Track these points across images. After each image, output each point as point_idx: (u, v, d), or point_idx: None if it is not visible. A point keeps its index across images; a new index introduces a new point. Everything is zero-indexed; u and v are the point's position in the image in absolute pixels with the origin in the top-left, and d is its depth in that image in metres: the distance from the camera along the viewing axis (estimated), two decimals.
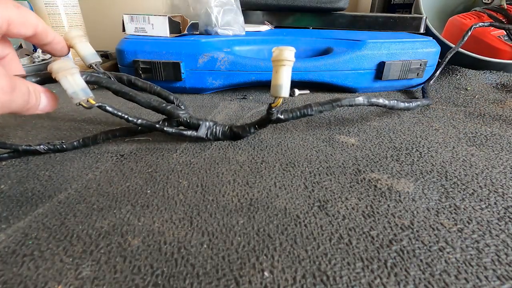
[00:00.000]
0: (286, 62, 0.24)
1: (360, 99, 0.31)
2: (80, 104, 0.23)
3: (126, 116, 0.27)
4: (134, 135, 0.32)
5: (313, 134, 0.34)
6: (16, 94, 0.19)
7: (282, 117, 0.30)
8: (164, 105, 0.29)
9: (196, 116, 0.32)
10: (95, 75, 0.26)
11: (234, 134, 0.32)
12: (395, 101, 0.35)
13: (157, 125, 0.29)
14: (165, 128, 0.29)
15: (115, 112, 0.26)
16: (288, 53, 0.24)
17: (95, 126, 0.36)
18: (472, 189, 0.24)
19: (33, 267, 0.17)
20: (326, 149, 0.31)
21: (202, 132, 0.30)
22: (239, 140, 0.32)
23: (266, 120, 0.30)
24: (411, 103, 0.38)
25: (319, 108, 0.30)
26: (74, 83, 0.22)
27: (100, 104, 0.24)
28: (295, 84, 0.46)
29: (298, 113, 0.30)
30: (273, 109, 0.28)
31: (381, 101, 0.33)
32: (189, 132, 0.30)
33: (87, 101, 0.23)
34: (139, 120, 0.28)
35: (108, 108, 0.26)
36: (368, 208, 0.22)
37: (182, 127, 0.31)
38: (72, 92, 0.22)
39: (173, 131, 0.29)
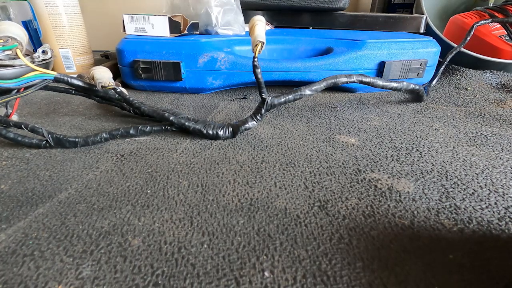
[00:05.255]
0: (258, 22, 0.31)
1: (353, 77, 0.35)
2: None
3: (135, 102, 0.33)
4: (135, 136, 0.32)
5: (313, 134, 0.34)
6: None
7: (275, 101, 0.33)
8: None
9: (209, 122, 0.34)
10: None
11: (233, 128, 0.32)
12: (379, 78, 0.37)
13: (165, 114, 0.32)
14: (171, 118, 0.32)
15: (128, 97, 0.33)
16: (258, 16, 0.32)
17: (95, 125, 0.36)
18: (473, 189, 0.24)
19: (33, 267, 0.17)
20: (326, 149, 0.31)
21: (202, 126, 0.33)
22: (240, 140, 0.32)
23: (260, 106, 0.33)
24: (396, 83, 0.39)
25: (310, 88, 0.33)
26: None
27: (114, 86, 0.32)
28: (296, 84, 0.46)
29: (291, 95, 0.33)
30: (256, 58, 0.31)
31: (367, 79, 0.36)
32: (191, 123, 0.32)
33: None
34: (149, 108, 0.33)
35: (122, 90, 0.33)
36: (369, 208, 0.22)
37: (186, 117, 0.34)
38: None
39: (177, 121, 0.32)
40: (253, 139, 0.33)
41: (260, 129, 0.35)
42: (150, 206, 0.22)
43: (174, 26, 0.49)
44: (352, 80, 0.35)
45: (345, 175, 0.26)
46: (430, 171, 0.27)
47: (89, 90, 0.35)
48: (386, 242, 0.19)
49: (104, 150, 0.30)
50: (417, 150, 0.30)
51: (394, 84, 0.38)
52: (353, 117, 0.39)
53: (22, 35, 0.31)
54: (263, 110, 0.32)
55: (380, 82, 0.37)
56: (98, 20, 0.87)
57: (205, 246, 0.18)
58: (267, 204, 0.22)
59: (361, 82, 0.35)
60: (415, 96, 0.45)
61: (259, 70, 0.31)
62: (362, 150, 0.30)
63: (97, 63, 0.60)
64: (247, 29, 0.56)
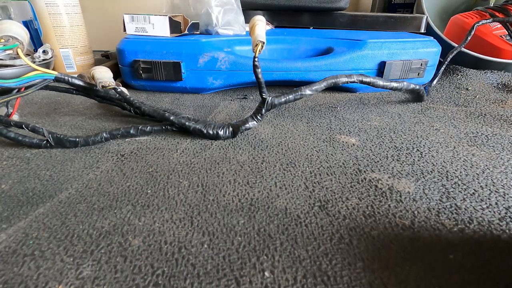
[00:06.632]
0: (258, 22, 0.31)
1: (354, 77, 0.35)
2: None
3: (136, 102, 0.33)
4: (135, 135, 0.32)
5: (314, 134, 0.34)
6: None
7: (275, 101, 0.32)
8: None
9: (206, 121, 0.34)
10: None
11: (233, 128, 0.32)
12: (379, 78, 0.37)
13: (166, 114, 0.32)
14: (171, 117, 0.32)
15: (128, 97, 0.33)
16: (258, 16, 0.32)
17: (96, 125, 0.36)
18: (473, 189, 0.24)
19: (33, 267, 0.17)
20: (327, 149, 0.30)
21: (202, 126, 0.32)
22: (240, 140, 0.32)
23: (260, 106, 0.32)
24: (396, 83, 0.39)
25: (310, 88, 0.32)
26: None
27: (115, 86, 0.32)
28: (296, 84, 0.46)
29: (291, 95, 0.33)
30: (256, 58, 0.31)
31: (368, 79, 0.36)
32: (191, 123, 0.32)
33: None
34: (150, 107, 0.33)
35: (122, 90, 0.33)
36: (369, 208, 0.22)
37: (186, 117, 0.34)
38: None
39: (178, 121, 0.32)
40: (253, 139, 0.33)
41: (261, 129, 0.35)
42: (151, 206, 0.22)
43: (174, 26, 0.49)
44: (352, 80, 0.35)
45: (345, 175, 0.26)
46: (431, 171, 0.26)
47: (89, 90, 0.35)
48: (386, 242, 0.19)
49: (105, 150, 0.30)
50: (418, 150, 0.30)
51: (394, 84, 0.38)
52: (353, 117, 0.39)
53: (23, 34, 0.30)
54: (263, 110, 0.32)
55: (380, 82, 0.37)
56: (98, 20, 0.87)
57: (206, 246, 0.18)
58: (267, 204, 0.22)
59: (362, 82, 0.35)
60: (416, 96, 0.45)
61: (259, 70, 0.31)
62: (362, 150, 0.30)
63: (97, 63, 0.60)
64: (247, 29, 0.56)
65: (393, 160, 0.28)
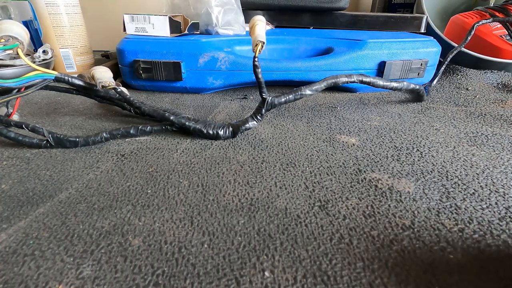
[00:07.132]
0: (258, 22, 0.31)
1: (354, 78, 0.35)
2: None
3: (136, 101, 0.33)
4: (135, 135, 0.32)
5: (314, 134, 0.34)
6: None
7: (275, 101, 0.32)
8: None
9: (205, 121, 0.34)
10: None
11: (233, 128, 0.32)
12: (379, 78, 0.38)
13: (166, 114, 0.32)
14: (171, 117, 0.32)
15: (129, 97, 0.33)
16: (258, 16, 0.32)
17: (96, 125, 0.36)
18: (473, 189, 0.24)
19: (34, 266, 0.17)
20: (327, 149, 0.30)
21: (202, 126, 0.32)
22: (240, 140, 0.32)
23: (260, 106, 0.32)
24: (396, 83, 0.39)
25: (310, 88, 0.32)
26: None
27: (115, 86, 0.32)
28: (296, 84, 0.46)
29: (292, 95, 0.33)
30: (256, 58, 0.31)
31: (368, 79, 0.36)
32: (191, 123, 0.32)
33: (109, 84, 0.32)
34: (150, 107, 0.33)
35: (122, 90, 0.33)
36: (369, 208, 0.22)
37: (186, 117, 0.33)
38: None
39: (178, 121, 0.32)
40: (253, 139, 0.33)
41: (261, 129, 0.35)
42: (151, 206, 0.22)
43: (174, 26, 0.49)
44: (352, 80, 0.35)
45: (345, 175, 0.26)
46: (431, 171, 0.27)
47: (89, 90, 0.35)
48: (386, 242, 0.19)
49: (105, 150, 0.30)
50: (418, 150, 0.30)
51: (394, 84, 0.38)
52: (353, 117, 0.39)
53: (23, 34, 0.30)
54: (263, 110, 0.32)
55: (380, 82, 0.37)
56: (98, 20, 0.87)
57: (206, 246, 0.18)
58: (267, 204, 0.22)
59: (362, 82, 0.35)
60: (416, 96, 0.45)
61: (259, 70, 0.31)
62: (362, 150, 0.30)
63: (97, 63, 0.60)
64: (247, 29, 0.56)
65: (393, 160, 0.28)
